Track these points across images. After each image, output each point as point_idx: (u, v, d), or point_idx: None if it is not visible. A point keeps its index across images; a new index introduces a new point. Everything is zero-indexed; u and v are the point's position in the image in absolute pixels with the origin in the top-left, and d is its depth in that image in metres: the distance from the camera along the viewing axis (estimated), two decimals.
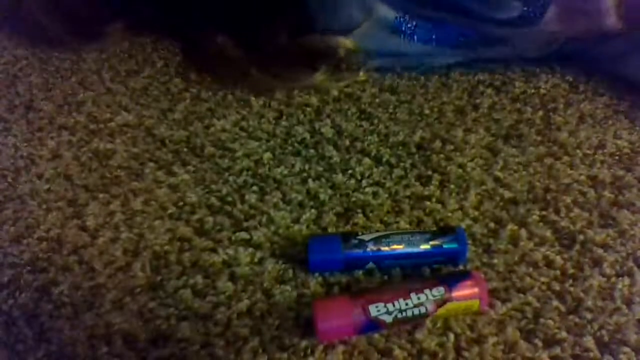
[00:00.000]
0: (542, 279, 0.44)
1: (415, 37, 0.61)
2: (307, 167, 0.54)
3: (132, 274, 0.45)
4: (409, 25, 0.60)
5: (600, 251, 0.46)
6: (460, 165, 0.54)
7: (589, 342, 0.40)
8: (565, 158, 0.54)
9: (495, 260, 0.45)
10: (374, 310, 0.39)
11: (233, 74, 0.65)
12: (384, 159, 0.55)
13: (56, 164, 0.56)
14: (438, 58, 0.66)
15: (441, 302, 0.39)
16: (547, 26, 0.59)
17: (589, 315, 0.41)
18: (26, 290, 0.44)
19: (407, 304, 0.39)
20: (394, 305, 0.39)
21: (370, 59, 0.66)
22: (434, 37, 0.61)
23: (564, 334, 0.40)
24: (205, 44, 0.66)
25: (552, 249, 0.46)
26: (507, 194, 0.51)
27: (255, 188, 0.52)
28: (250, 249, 0.47)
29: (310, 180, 0.53)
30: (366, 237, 0.44)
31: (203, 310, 0.42)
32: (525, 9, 0.58)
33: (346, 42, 0.62)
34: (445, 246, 0.44)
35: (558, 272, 0.44)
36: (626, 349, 0.39)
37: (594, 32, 0.62)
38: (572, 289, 0.43)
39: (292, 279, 0.44)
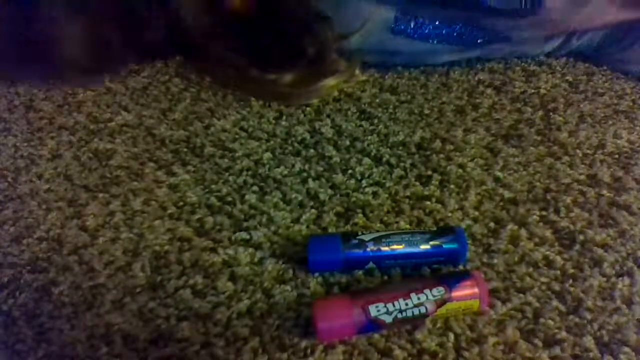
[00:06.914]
0: (542, 279, 0.44)
1: (416, 36, 0.61)
2: (307, 167, 0.54)
3: (132, 274, 0.45)
4: (408, 25, 0.60)
5: (600, 251, 0.46)
6: (460, 165, 0.54)
7: (589, 342, 0.39)
8: (565, 158, 0.54)
9: (495, 260, 0.45)
10: (374, 310, 0.39)
11: (237, 79, 0.65)
12: (384, 159, 0.55)
13: (56, 164, 0.56)
14: (438, 56, 0.66)
15: (441, 302, 0.39)
16: (547, 16, 0.58)
17: (589, 315, 0.41)
18: (26, 290, 0.44)
19: (407, 304, 0.39)
20: (394, 305, 0.39)
21: (370, 58, 0.66)
22: (433, 35, 0.61)
23: (564, 334, 0.40)
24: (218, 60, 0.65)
25: (552, 249, 0.46)
26: (507, 194, 0.51)
27: (255, 188, 0.52)
28: (250, 249, 0.46)
29: (310, 180, 0.53)
30: (366, 237, 0.44)
31: (203, 310, 0.42)
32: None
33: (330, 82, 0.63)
34: (445, 246, 0.44)
35: (558, 272, 0.44)
36: (626, 349, 0.39)
37: (596, 22, 0.61)
38: (572, 289, 0.43)
39: (292, 279, 0.44)
